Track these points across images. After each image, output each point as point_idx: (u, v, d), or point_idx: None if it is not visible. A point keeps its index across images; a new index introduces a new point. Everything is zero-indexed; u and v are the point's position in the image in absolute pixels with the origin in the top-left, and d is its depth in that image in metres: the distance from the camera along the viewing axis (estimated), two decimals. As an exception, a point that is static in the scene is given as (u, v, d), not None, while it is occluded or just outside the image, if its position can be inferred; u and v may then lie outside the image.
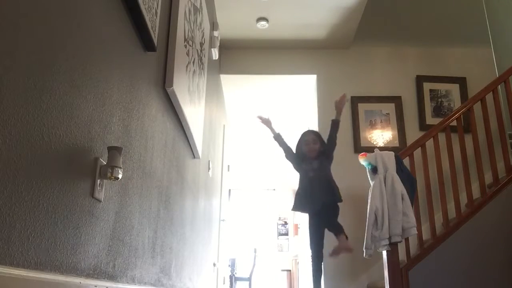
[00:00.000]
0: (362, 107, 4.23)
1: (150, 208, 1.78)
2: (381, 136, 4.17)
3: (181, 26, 2.16)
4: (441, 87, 4.33)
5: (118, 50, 1.41)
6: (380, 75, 4.35)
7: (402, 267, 2.76)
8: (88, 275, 1.17)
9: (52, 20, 0.98)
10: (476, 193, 3.10)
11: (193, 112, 2.53)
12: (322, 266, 2.83)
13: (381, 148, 3.11)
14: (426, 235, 3.02)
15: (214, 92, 3.95)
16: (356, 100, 4.24)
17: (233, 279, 6.45)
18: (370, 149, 3.47)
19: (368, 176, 2.84)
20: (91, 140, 1.19)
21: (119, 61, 1.42)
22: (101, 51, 1.26)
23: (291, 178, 8.24)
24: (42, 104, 0.93)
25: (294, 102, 5.06)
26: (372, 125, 4.21)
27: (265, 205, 9.28)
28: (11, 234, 0.82)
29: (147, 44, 1.67)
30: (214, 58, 3.66)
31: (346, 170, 3.90)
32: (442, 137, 3.09)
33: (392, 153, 2.84)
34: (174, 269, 2.21)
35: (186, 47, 2.30)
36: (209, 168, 3.70)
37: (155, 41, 1.71)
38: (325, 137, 3.00)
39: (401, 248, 2.79)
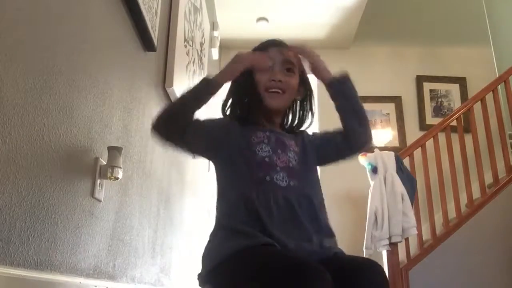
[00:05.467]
0: (362, 107, 4.23)
1: (150, 208, 1.78)
2: (381, 136, 4.17)
3: (181, 26, 2.15)
4: (441, 87, 4.32)
5: (118, 50, 1.41)
6: (380, 75, 4.34)
7: (402, 267, 2.76)
8: (88, 275, 1.17)
9: (52, 20, 0.98)
10: (476, 193, 3.09)
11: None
12: None
13: (381, 148, 3.11)
14: (426, 235, 3.02)
15: (214, 92, 3.95)
16: (356, 100, 4.24)
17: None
18: (370, 149, 3.47)
19: (368, 176, 2.84)
20: (91, 140, 1.19)
21: (119, 61, 1.42)
22: (101, 51, 1.26)
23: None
24: (42, 104, 0.93)
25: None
26: (372, 125, 4.20)
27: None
28: (11, 234, 0.82)
29: (147, 44, 1.67)
30: (214, 58, 3.65)
31: (346, 170, 3.89)
32: (442, 137, 3.08)
33: (392, 153, 2.84)
34: (174, 269, 2.21)
35: (186, 47, 2.30)
36: (209, 168, 3.70)
37: (155, 41, 1.71)
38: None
39: (401, 248, 2.78)
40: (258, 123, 1.13)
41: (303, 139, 1.17)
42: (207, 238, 1.05)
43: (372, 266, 0.91)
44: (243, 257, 0.91)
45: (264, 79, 1.11)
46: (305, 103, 1.21)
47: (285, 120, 1.21)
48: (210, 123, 1.12)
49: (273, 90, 1.10)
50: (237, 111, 1.15)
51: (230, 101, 1.17)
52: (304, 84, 1.20)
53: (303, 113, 1.21)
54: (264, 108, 1.12)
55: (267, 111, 1.13)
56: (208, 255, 1.01)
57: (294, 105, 1.20)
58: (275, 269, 0.82)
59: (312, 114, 1.22)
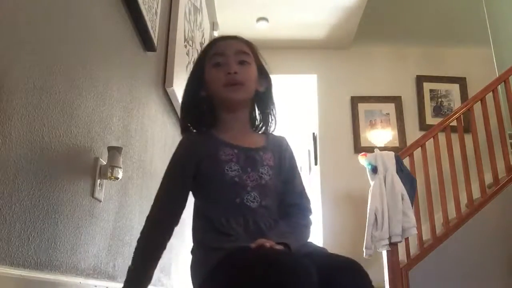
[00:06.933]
0: (362, 107, 4.23)
1: (150, 208, 1.78)
2: (381, 136, 4.17)
3: (181, 26, 2.15)
4: (441, 87, 4.32)
5: (118, 50, 1.41)
6: (380, 75, 4.34)
7: (402, 267, 2.76)
8: (88, 275, 1.17)
9: (52, 20, 0.98)
10: (476, 193, 3.09)
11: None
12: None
13: (381, 148, 3.10)
14: (426, 235, 3.02)
15: (214, 92, 3.95)
16: (356, 100, 4.24)
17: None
18: (370, 149, 3.47)
19: (368, 176, 2.84)
20: (91, 140, 1.19)
21: (119, 61, 1.42)
22: (101, 51, 1.26)
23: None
24: (42, 104, 0.93)
25: (294, 102, 5.05)
26: (372, 125, 4.20)
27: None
28: (11, 234, 0.82)
29: (147, 44, 1.67)
30: (214, 58, 3.65)
31: (346, 170, 3.90)
32: (442, 137, 3.08)
33: (392, 153, 2.84)
34: (174, 269, 2.20)
35: (186, 47, 2.30)
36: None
37: (155, 41, 1.71)
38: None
39: (401, 248, 2.78)
40: (225, 125, 1.09)
41: (281, 153, 1.11)
42: (190, 256, 1.03)
43: (357, 268, 0.87)
44: (224, 266, 0.87)
45: (221, 75, 1.06)
46: (266, 98, 1.15)
47: (253, 116, 1.15)
48: (178, 176, 1.07)
49: (231, 83, 1.05)
50: (199, 119, 1.11)
51: (189, 112, 1.12)
52: (264, 75, 1.15)
53: (267, 108, 1.15)
54: (227, 103, 1.08)
55: (230, 106, 1.08)
56: (193, 275, 0.99)
57: (258, 100, 1.14)
58: (264, 267, 0.78)
59: (275, 109, 1.16)
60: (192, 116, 1.11)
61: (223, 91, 1.05)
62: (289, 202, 1.08)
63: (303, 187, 1.13)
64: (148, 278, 1.02)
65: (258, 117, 1.16)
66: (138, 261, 1.02)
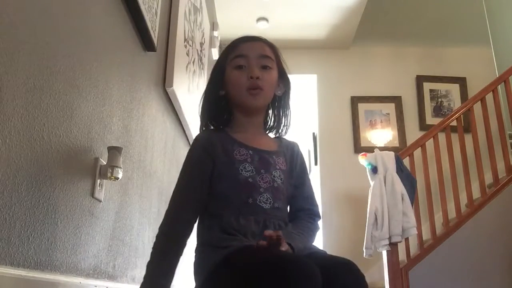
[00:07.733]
0: (362, 107, 4.23)
1: (150, 208, 1.78)
2: (381, 136, 4.17)
3: (181, 26, 2.15)
4: (441, 87, 4.32)
5: (118, 50, 1.41)
6: (380, 75, 4.34)
7: (402, 267, 2.76)
8: (88, 275, 1.17)
9: (51, 20, 0.98)
10: (476, 193, 3.09)
11: (193, 112, 2.53)
12: None
13: (381, 148, 3.10)
14: (426, 235, 3.02)
15: (214, 92, 3.95)
16: (356, 100, 4.24)
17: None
18: (370, 149, 3.47)
19: (368, 176, 2.84)
20: (91, 140, 1.19)
21: (119, 61, 1.42)
22: (101, 51, 1.26)
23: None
24: (42, 104, 0.93)
25: (294, 101, 5.06)
26: (372, 125, 4.20)
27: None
28: (11, 234, 0.82)
29: (147, 44, 1.67)
30: (214, 58, 3.65)
31: (346, 170, 3.90)
32: (442, 137, 3.08)
33: (392, 153, 2.84)
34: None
35: (186, 47, 2.30)
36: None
37: (155, 41, 1.71)
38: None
39: (401, 248, 2.78)
40: (240, 126, 1.10)
41: (293, 158, 1.13)
42: (194, 254, 1.04)
43: (354, 269, 0.87)
44: (229, 263, 0.88)
45: (243, 79, 1.06)
46: (282, 101, 1.17)
47: (267, 119, 1.17)
48: (197, 170, 1.05)
49: (254, 87, 1.06)
50: (217, 117, 1.13)
51: (208, 110, 1.13)
52: (283, 79, 1.16)
53: (281, 111, 1.18)
54: (245, 107, 1.09)
55: (247, 111, 1.10)
56: (196, 272, 1.00)
57: (275, 102, 1.16)
58: (266, 267, 0.78)
59: (290, 114, 1.18)
60: (211, 114, 1.13)
61: (245, 95, 1.06)
62: (298, 206, 1.10)
63: (312, 192, 1.15)
64: (169, 275, 1.01)
65: (271, 118, 1.18)
66: (157, 258, 1.01)
